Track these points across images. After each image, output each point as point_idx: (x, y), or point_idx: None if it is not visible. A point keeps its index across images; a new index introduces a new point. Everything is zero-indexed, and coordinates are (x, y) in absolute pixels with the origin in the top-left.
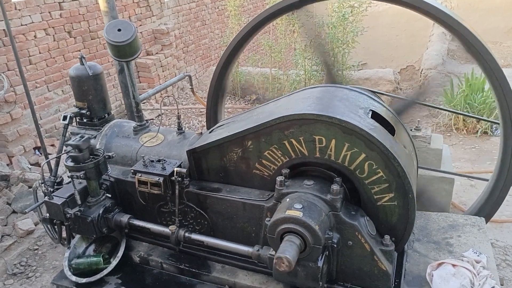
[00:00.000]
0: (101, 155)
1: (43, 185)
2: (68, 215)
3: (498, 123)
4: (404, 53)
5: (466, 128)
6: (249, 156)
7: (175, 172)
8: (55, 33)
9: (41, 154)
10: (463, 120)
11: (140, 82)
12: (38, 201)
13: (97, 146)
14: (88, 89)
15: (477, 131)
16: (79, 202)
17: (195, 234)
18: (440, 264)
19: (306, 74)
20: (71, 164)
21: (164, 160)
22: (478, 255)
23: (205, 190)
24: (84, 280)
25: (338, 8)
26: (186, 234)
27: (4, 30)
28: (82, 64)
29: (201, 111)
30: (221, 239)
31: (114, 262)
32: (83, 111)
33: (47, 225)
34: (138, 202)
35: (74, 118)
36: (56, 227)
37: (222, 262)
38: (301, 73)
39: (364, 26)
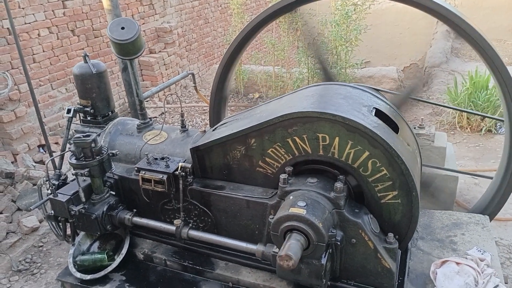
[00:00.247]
0: (105, 152)
1: (47, 182)
2: (72, 212)
3: (502, 121)
4: (408, 51)
5: (470, 126)
6: (252, 154)
7: (179, 167)
8: (59, 32)
9: (45, 152)
10: (467, 118)
11: (144, 80)
12: (42, 199)
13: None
14: (92, 87)
15: (481, 129)
16: (83, 199)
17: (199, 231)
18: (444, 262)
19: (309, 72)
20: (75, 161)
21: (168, 158)
22: (482, 253)
23: (208, 188)
24: (88, 277)
25: (341, 6)
26: (190, 232)
27: (8, 28)
28: (85, 62)
29: (204, 109)
30: (225, 237)
31: (118, 259)
32: (87, 109)
33: (51, 222)
34: (142, 199)
35: (78, 112)
36: (60, 224)
37: (226, 259)
38: (304, 71)
39: (367, 24)
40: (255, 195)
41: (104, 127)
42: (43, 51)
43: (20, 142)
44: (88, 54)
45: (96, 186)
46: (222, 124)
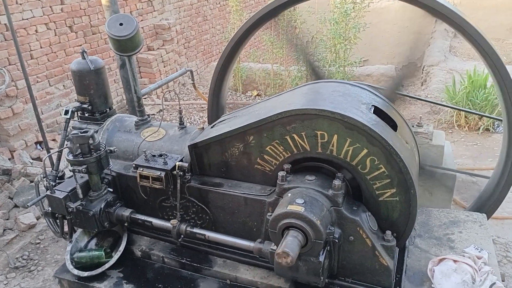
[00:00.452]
0: (103, 149)
1: (45, 179)
2: (70, 209)
3: (500, 120)
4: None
5: (468, 125)
6: (250, 151)
7: (176, 166)
8: (56, 28)
9: (42, 148)
10: (465, 117)
11: (142, 78)
12: (40, 195)
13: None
14: (90, 83)
15: (479, 128)
16: (81, 196)
17: (197, 228)
18: (441, 260)
19: (307, 70)
20: (73, 158)
21: (166, 155)
22: (480, 251)
23: (206, 185)
24: (86, 274)
25: (340, 4)
26: (188, 229)
27: (5, 24)
28: (83, 58)
29: (202, 107)
30: (223, 234)
31: (116, 256)
32: (85, 106)
33: (49, 219)
34: (140, 196)
35: (75, 113)
36: (58, 221)
37: (224, 256)
38: (303, 69)
39: (366, 22)
40: (253, 193)
41: (102, 123)
42: (41, 47)
43: (17, 139)
44: (86, 50)
45: (93, 183)
46: (220, 121)
